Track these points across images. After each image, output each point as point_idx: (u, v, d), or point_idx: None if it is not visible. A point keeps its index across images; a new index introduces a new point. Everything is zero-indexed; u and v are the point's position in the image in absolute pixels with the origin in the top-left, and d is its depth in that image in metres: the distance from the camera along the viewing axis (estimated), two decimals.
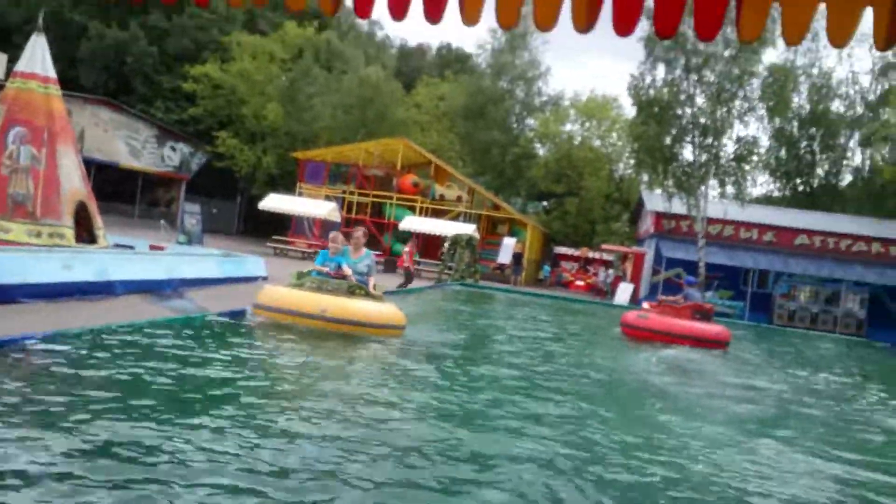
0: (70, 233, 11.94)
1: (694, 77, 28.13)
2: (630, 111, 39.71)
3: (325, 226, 33.82)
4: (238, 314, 9.22)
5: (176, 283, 12.28)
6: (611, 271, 36.78)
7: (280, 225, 36.15)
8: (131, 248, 14.78)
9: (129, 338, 6.84)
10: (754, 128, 55.75)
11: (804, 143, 41.11)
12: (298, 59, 44.40)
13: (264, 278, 14.94)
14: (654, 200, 32.87)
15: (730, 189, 29.99)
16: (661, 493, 4.39)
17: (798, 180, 42.33)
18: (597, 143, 47.40)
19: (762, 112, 30.24)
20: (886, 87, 37.53)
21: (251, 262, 15.95)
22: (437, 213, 35.34)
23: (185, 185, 42.72)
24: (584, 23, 2.05)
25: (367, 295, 9.06)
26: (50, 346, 6.00)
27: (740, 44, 26.02)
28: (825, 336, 26.00)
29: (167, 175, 41.94)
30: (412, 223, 31.87)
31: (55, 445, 3.65)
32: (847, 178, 41.69)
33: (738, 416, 7.46)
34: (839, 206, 38.33)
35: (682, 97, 28.52)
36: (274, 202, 32.00)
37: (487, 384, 7.37)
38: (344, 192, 35.86)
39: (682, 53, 27.69)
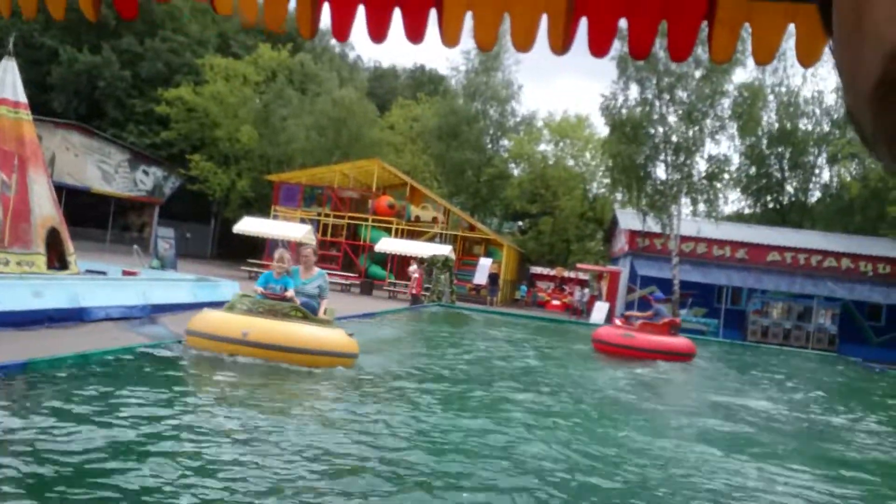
0: (41, 260, 11.75)
1: (666, 96, 28.53)
2: (602, 130, 40.20)
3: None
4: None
5: (149, 308, 12.12)
6: (586, 290, 36.96)
7: (255, 248, 35.91)
8: (104, 273, 14.57)
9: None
10: (725, 146, 56.61)
11: (773, 161, 41.83)
12: (272, 81, 44.41)
13: None
14: (628, 219, 33.16)
15: (702, 207, 30.37)
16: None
17: (768, 197, 43.01)
18: (570, 162, 47.83)
19: (733, 131, 30.71)
20: None
21: (225, 286, 15.80)
22: (413, 235, 35.33)
23: (158, 210, 42.31)
24: (561, 45, 2.07)
25: (306, 318, 8.14)
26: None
27: (712, 64, 26.50)
28: (798, 352, 26.28)
29: (140, 199, 41.54)
30: (388, 245, 31.82)
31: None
32: (816, 195, 42.44)
33: (709, 432, 7.49)
34: (809, 222, 38.99)
35: (655, 116, 28.89)
36: (249, 225, 31.79)
37: (448, 407, 7.33)
38: (319, 214, 35.75)
39: (655, 73, 28.09)
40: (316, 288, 8.81)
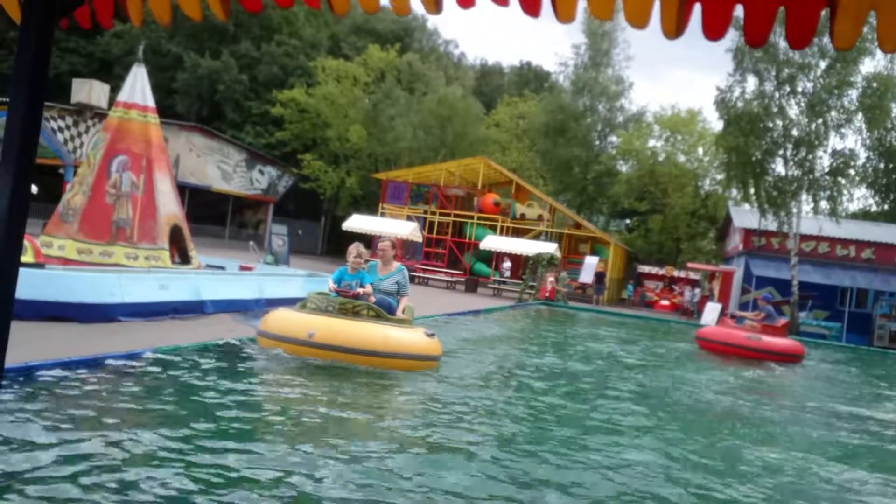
0: (166, 255, 12.46)
1: (787, 88, 27.17)
2: (716, 125, 38.69)
3: (407, 246, 34.20)
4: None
5: (263, 302, 12.63)
6: (697, 290, 35.75)
7: (363, 245, 36.73)
8: (222, 268, 15.30)
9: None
10: (851, 140, 53.40)
11: None
12: (381, 81, 45.35)
13: None
14: (743, 217, 31.82)
15: (824, 204, 28.72)
16: None
17: None
18: (681, 158, 46.30)
19: (860, 123, 28.85)
20: None
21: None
22: (519, 233, 35.22)
23: (272, 207, 44.07)
24: (674, 28, 2.02)
25: (380, 317, 7.50)
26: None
27: (836, 52, 25.05)
28: None
29: (256, 198, 43.37)
30: (493, 242, 31.86)
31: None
32: None
33: (819, 441, 7.10)
34: None
35: (774, 109, 27.56)
36: (357, 222, 32.57)
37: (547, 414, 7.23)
38: (425, 211, 36.21)
39: (774, 64, 26.81)
40: (394, 284, 8.21)
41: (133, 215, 12.10)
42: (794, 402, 9.84)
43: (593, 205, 47.71)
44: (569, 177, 45.61)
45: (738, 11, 2.05)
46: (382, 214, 36.11)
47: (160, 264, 12.19)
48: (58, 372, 5.61)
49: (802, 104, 27.38)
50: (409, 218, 35.40)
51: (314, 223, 48.01)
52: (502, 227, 34.88)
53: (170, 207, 12.84)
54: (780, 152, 28.09)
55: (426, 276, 31.16)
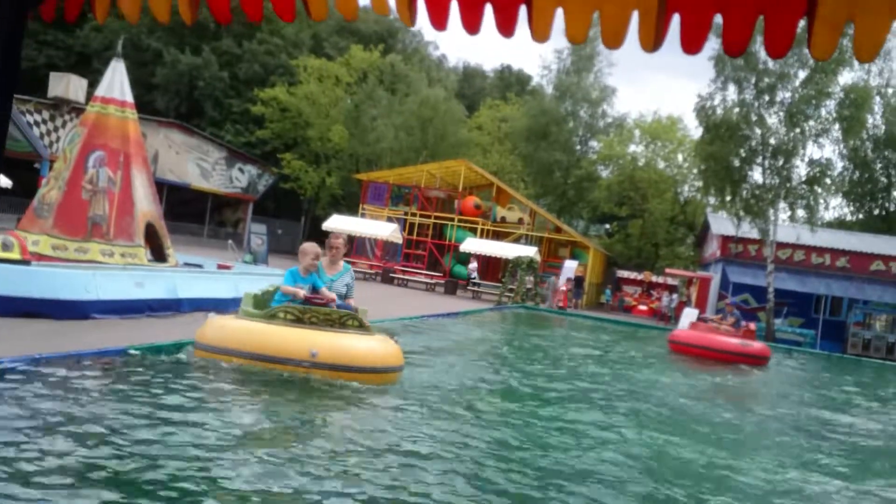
0: (142, 252, 12.33)
1: (766, 97, 27.46)
2: (696, 132, 39.03)
3: (387, 247, 34.15)
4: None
5: (240, 301, 12.50)
6: (675, 296, 36.02)
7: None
8: (200, 266, 15.17)
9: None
10: (828, 150, 54.11)
11: (879, 166, 39.63)
12: (363, 81, 45.23)
13: None
14: (721, 224, 32.12)
15: (801, 212, 29.05)
16: None
17: (873, 204, 40.79)
18: (661, 164, 46.65)
19: (836, 134, 29.23)
20: None
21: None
22: (499, 236, 35.30)
23: (251, 206, 43.80)
24: (652, 42, 2.02)
25: (362, 326, 6.81)
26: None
27: (815, 63, 25.36)
28: None
29: (235, 196, 43.08)
30: (473, 245, 31.90)
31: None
32: None
33: (779, 445, 7.17)
34: None
35: (754, 118, 27.84)
36: (337, 223, 32.47)
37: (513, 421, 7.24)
38: (406, 213, 36.17)
39: (754, 73, 27.09)
40: (345, 286, 7.42)
41: (110, 211, 11.96)
42: (762, 408, 9.93)
43: (573, 209, 47.90)
44: (550, 181, 45.77)
45: (719, 19, 2.06)
46: (363, 215, 36.03)
47: (136, 261, 12.05)
48: (25, 367, 5.53)
49: (781, 113, 27.69)
50: (389, 219, 35.35)
51: (294, 223, 47.76)
52: (483, 230, 34.94)
53: (146, 204, 12.70)
54: (759, 160, 28.39)
55: (406, 277, 31.12)
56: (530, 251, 29.70)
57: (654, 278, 40.24)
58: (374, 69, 45.80)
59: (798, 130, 27.67)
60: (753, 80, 27.38)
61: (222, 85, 45.36)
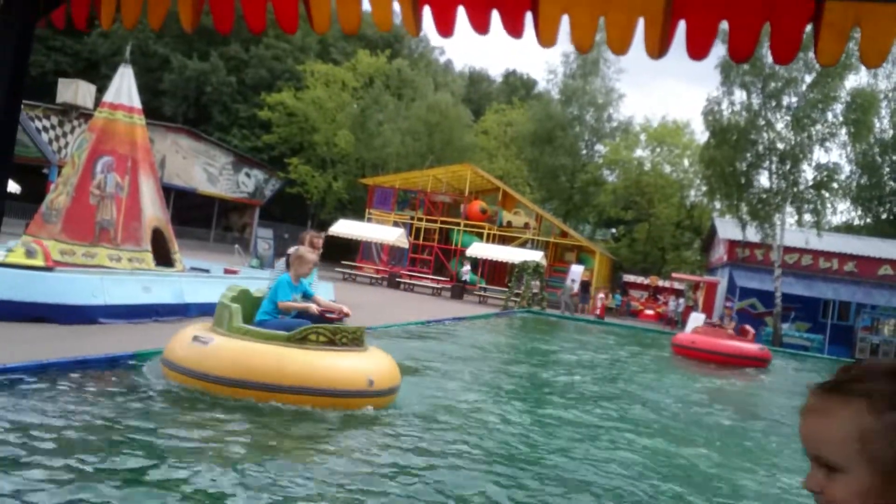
0: (149, 257, 12.37)
1: (773, 102, 27.40)
2: (703, 136, 38.99)
3: (393, 251, 34.17)
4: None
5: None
6: (681, 301, 35.91)
7: (348, 250, 36.71)
8: (207, 271, 15.21)
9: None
10: (835, 154, 53.89)
11: (887, 170, 39.48)
12: (369, 86, 45.33)
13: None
14: (728, 228, 32.02)
15: (808, 217, 28.96)
16: None
17: (881, 208, 40.62)
18: (668, 169, 46.57)
19: (844, 138, 29.13)
20: None
21: (320, 286, 16.17)
22: (505, 240, 35.27)
23: (258, 211, 43.90)
24: (658, 49, 2.02)
25: (359, 344, 6.11)
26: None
27: (821, 68, 25.31)
28: None
29: (242, 201, 43.18)
30: (479, 250, 31.89)
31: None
32: None
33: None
34: None
35: (760, 122, 27.77)
36: (343, 228, 32.52)
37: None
38: (412, 217, 36.18)
39: (761, 78, 27.04)
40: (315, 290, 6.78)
41: (117, 216, 12.01)
42: (767, 412, 9.89)
43: (579, 213, 47.85)
44: (555, 185, 45.73)
45: (725, 25, 2.06)
46: (369, 220, 36.06)
47: (143, 266, 12.09)
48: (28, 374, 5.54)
49: (788, 118, 27.63)
50: (395, 224, 35.36)
51: (301, 227, 47.81)
52: (489, 235, 34.92)
53: (153, 209, 12.75)
54: (765, 165, 28.31)
55: (412, 282, 31.12)
56: (536, 256, 29.66)
57: (660, 283, 40.15)
58: (381, 74, 45.89)
59: (805, 135, 27.58)
60: (760, 85, 27.33)
61: (229, 90, 45.54)
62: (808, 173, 28.59)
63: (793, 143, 27.65)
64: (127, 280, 10.52)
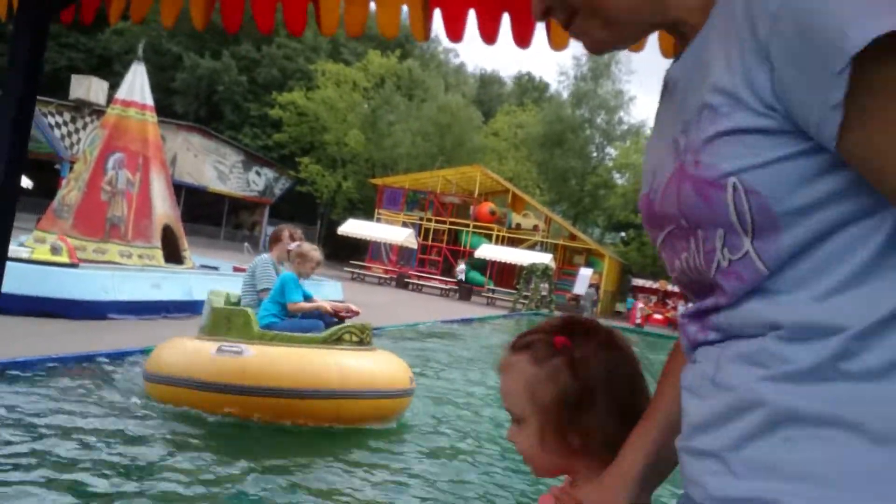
0: (159, 254, 12.42)
1: None
2: None
3: (402, 252, 34.18)
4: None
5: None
6: (690, 305, 35.75)
7: (358, 249, 36.75)
8: (216, 269, 15.25)
9: None
10: None
11: None
12: (380, 87, 45.39)
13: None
14: None
15: None
16: None
17: None
18: None
19: None
20: None
21: (329, 286, 16.22)
22: (514, 242, 35.21)
23: (268, 209, 44.01)
24: (673, 48, 2.02)
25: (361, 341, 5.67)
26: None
27: None
28: None
29: (252, 199, 43.30)
30: (488, 251, 31.85)
31: None
32: None
33: None
34: None
35: None
36: (353, 227, 32.56)
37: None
38: (421, 218, 36.18)
39: None
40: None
41: (128, 213, 12.06)
42: None
43: (589, 216, 47.73)
44: (565, 188, 45.66)
45: None
46: (378, 220, 36.09)
47: (154, 263, 12.14)
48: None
49: None
50: (404, 224, 35.38)
51: (310, 226, 47.92)
52: (498, 237, 34.88)
53: (163, 206, 12.81)
54: None
55: (420, 283, 31.12)
56: (545, 258, 29.62)
57: (669, 287, 39.95)
58: (392, 74, 45.94)
59: None
60: None
61: (241, 89, 45.71)
62: None
63: None
64: (137, 276, 10.56)
